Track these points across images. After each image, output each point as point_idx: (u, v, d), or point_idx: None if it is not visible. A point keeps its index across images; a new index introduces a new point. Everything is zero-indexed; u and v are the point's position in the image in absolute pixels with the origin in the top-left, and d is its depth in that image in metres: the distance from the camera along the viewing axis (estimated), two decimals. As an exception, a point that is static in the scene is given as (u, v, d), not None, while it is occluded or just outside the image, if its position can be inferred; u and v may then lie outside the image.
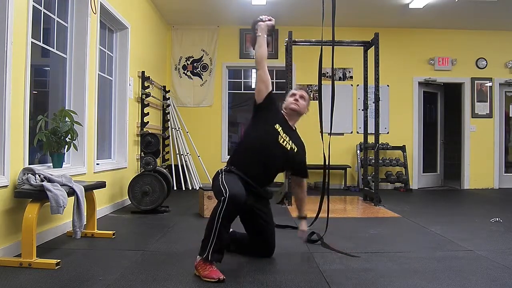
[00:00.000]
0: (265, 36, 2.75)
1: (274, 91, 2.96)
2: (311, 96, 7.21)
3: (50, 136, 3.21)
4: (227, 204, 2.30)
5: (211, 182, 2.71)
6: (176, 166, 6.77)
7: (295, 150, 2.74)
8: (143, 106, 5.48)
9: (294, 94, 2.84)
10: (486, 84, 7.46)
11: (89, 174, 3.90)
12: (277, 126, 2.69)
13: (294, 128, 2.86)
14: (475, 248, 3.03)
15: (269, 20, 2.77)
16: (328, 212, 3.38)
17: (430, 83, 7.50)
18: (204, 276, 2.27)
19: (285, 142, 2.69)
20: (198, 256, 2.37)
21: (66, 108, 3.65)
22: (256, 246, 2.78)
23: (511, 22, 6.87)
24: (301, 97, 2.82)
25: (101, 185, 3.39)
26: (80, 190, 2.85)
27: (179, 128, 6.95)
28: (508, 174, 7.59)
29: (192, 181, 6.83)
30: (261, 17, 2.78)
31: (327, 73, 7.06)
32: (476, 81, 7.42)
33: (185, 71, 7.35)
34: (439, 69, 7.38)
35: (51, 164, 3.36)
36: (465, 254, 2.89)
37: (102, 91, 4.55)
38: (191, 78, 7.34)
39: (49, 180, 2.70)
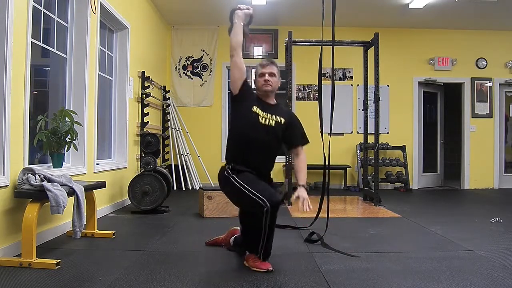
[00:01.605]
0: (242, 24, 2.69)
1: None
2: (311, 96, 7.29)
3: (50, 136, 3.21)
4: (271, 214, 2.39)
5: (220, 185, 2.69)
6: (176, 166, 6.76)
7: (282, 122, 2.66)
8: (143, 106, 5.48)
9: (263, 74, 2.68)
10: (486, 84, 7.45)
11: (89, 174, 3.90)
12: (254, 108, 2.63)
13: (274, 102, 2.76)
14: (475, 248, 3.03)
15: (247, 9, 2.70)
16: (328, 212, 3.39)
17: (430, 83, 7.49)
18: (254, 267, 2.49)
19: (267, 120, 2.62)
20: (247, 252, 2.59)
21: (66, 108, 3.65)
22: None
23: (511, 22, 6.87)
24: (271, 74, 2.68)
25: (101, 185, 3.39)
26: (80, 190, 2.85)
27: (179, 128, 6.95)
28: (508, 174, 7.59)
29: (192, 181, 6.83)
30: (239, 5, 2.72)
31: (327, 73, 7.05)
32: (476, 81, 7.42)
33: (185, 71, 7.35)
34: (439, 69, 7.38)
35: (51, 164, 3.36)
36: (465, 254, 2.89)
37: (102, 91, 4.55)
38: (191, 78, 7.34)
39: (49, 180, 2.70)
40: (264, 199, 2.37)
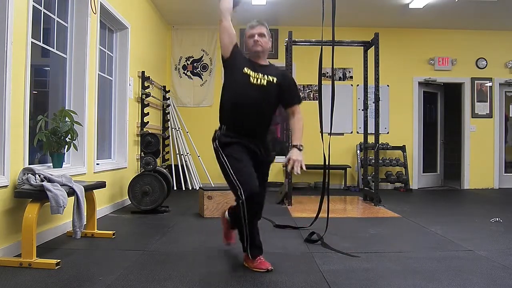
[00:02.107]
0: None
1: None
2: (311, 96, 7.29)
3: (50, 136, 3.21)
4: (247, 208, 2.38)
5: (216, 158, 2.61)
6: (176, 166, 6.76)
7: (275, 81, 2.61)
8: (143, 106, 5.48)
9: (252, 35, 2.63)
10: (486, 84, 7.45)
11: (89, 174, 3.90)
12: (245, 69, 2.58)
13: (266, 63, 2.71)
14: (475, 248, 3.03)
15: None
16: (328, 212, 3.39)
17: (430, 83, 7.49)
18: (253, 268, 2.50)
19: (258, 80, 2.57)
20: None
21: (66, 108, 3.65)
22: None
23: (511, 22, 6.87)
24: (260, 35, 2.62)
25: (101, 185, 3.39)
26: (80, 190, 2.85)
27: (179, 128, 6.95)
28: (508, 174, 7.59)
29: (192, 181, 6.83)
30: None
31: (327, 73, 7.05)
32: (476, 81, 7.42)
33: (185, 71, 7.35)
34: (439, 69, 7.38)
35: (51, 164, 3.36)
36: (465, 254, 2.89)
37: (102, 91, 4.55)
38: (191, 78, 7.35)
39: (49, 180, 2.70)
40: (241, 189, 2.34)
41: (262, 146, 2.61)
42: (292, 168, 2.47)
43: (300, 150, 2.56)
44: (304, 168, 2.47)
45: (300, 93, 7.19)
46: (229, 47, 2.64)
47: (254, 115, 2.56)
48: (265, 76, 2.59)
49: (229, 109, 2.62)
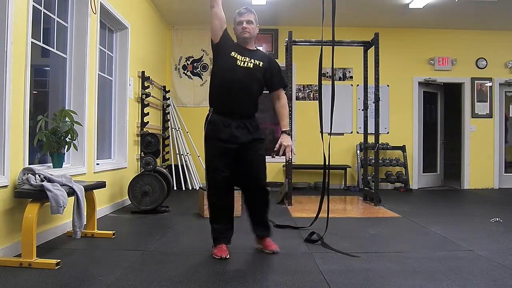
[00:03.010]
0: None
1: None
2: (311, 96, 7.29)
3: (50, 136, 3.21)
4: (213, 195, 2.78)
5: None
6: (176, 166, 6.76)
7: (261, 64, 2.79)
8: (143, 106, 5.48)
9: (241, 22, 2.81)
10: (486, 84, 7.45)
11: (89, 174, 3.90)
12: (232, 53, 2.75)
13: (254, 48, 2.89)
14: (475, 248, 3.03)
15: None
16: (328, 212, 3.38)
17: (430, 83, 7.49)
18: (213, 254, 2.73)
19: (245, 63, 2.75)
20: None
21: (66, 108, 3.65)
22: (245, 194, 2.92)
23: (511, 22, 6.87)
24: (248, 22, 2.80)
25: (101, 185, 3.38)
26: (80, 190, 2.85)
27: (179, 128, 6.95)
28: (508, 174, 7.59)
29: (192, 181, 6.83)
30: None
31: (327, 73, 7.05)
32: (476, 81, 7.42)
33: (185, 71, 7.35)
34: (439, 69, 7.38)
35: (51, 164, 3.36)
36: (465, 254, 2.89)
37: (102, 91, 4.55)
38: (191, 78, 7.35)
39: (49, 180, 2.70)
40: (207, 179, 2.73)
41: (250, 124, 2.76)
42: (284, 153, 2.70)
43: (289, 135, 2.79)
44: (294, 152, 2.63)
45: (300, 93, 7.21)
46: (218, 32, 2.79)
47: (241, 94, 2.74)
48: (252, 60, 2.77)
49: (218, 90, 2.79)
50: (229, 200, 2.86)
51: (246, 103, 2.76)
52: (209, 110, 2.82)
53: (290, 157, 2.64)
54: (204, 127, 2.81)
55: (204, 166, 6.75)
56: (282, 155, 2.77)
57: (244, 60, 2.75)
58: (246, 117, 2.77)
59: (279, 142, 2.74)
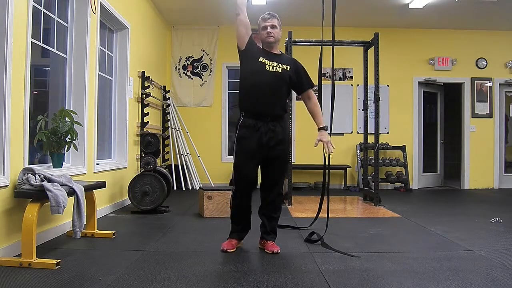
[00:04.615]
0: None
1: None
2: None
3: (50, 136, 3.21)
4: (237, 196, 2.89)
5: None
6: (176, 166, 6.77)
7: (288, 69, 2.87)
8: (143, 106, 5.48)
9: (265, 27, 2.87)
10: (486, 84, 7.45)
11: (89, 174, 3.90)
12: (261, 59, 2.83)
13: (279, 52, 2.97)
14: (475, 248, 3.03)
15: None
16: (328, 212, 3.38)
17: (430, 83, 7.49)
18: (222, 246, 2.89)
19: (273, 67, 2.83)
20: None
21: (66, 108, 3.65)
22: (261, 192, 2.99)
23: (511, 22, 6.87)
24: (272, 27, 2.87)
25: (101, 185, 3.38)
26: (80, 190, 2.85)
27: (179, 128, 6.95)
28: (508, 174, 7.59)
29: (192, 181, 6.83)
30: None
31: (327, 73, 7.06)
32: (476, 81, 7.42)
33: (185, 71, 7.35)
34: (439, 69, 7.38)
35: (51, 164, 3.36)
36: (465, 254, 2.89)
37: (102, 91, 4.55)
38: (191, 78, 7.34)
39: (49, 180, 2.70)
40: (236, 180, 2.87)
41: (280, 125, 2.85)
42: (327, 149, 2.85)
43: (326, 130, 2.91)
44: (334, 147, 2.87)
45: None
46: (245, 38, 2.87)
47: (270, 98, 2.81)
48: (280, 65, 2.86)
49: (248, 94, 2.86)
50: (250, 201, 2.93)
51: (276, 106, 2.85)
52: (240, 115, 2.90)
53: (332, 152, 2.85)
54: (236, 130, 2.89)
55: (204, 166, 6.82)
56: (326, 150, 2.90)
57: (273, 65, 2.83)
58: (276, 119, 2.85)
59: (318, 138, 2.88)
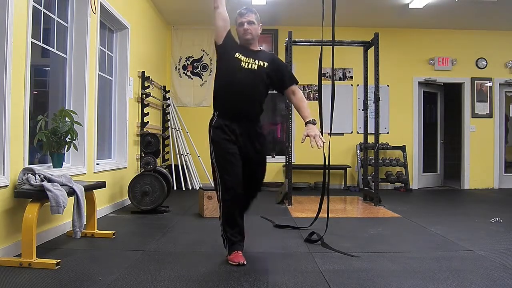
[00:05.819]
0: None
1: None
2: (311, 96, 7.28)
3: (50, 136, 3.21)
4: (226, 208, 2.64)
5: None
6: (176, 166, 6.76)
7: (265, 65, 2.71)
8: (143, 106, 5.48)
9: (242, 24, 2.73)
10: (486, 84, 7.45)
11: (89, 174, 3.90)
12: (236, 54, 2.68)
13: (259, 49, 2.82)
14: (475, 248, 3.03)
15: None
16: (328, 212, 3.38)
17: (430, 83, 7.49)
18: (229, 260, 2.61)
19: (249, 64, 2.67)
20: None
21: (66, 108, 3.65)
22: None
23: (511, 22, 6.87)
24: (249, 22, 2.72)
25: (101, 185, 3.38)
26: (80, 190, 2.85)
27: (179, 128, 6.95)
28: (508, 174, 7.58)
29: (192, 181, 6.83)
30: None
31: (327, 73, 7.06)
32: (476, 81, 7.42)
33: (185, 71, 7.35)
34: (439, 69, 7.38)
35: (51, 164, 3.36)
36: (465, 254, 2.89)
37: (102, 91, 4.55)
38: (191, 78, 7.35)
39: (49, 180, 2.70)
40: (222, 189, 2.61)
41: (255, 129, 2.72)
42: (315, 143, 2.57)
43: (314, 124, 2.66)
44: (324, 141, 2.59)
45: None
46: (223, 33, 2.73)
47: (246, 97, 2.66)
48: (256, 61, 2.70)
49: (222, 93, 2.72)
50: (242, 203, 2.73)
51: (251, 105, 2.69)
52: (213, 114, 2.74)
53: (322, 146, 2.54)
54: (209, 132, 2.74)
55: (204, 166, 6.81)
56: (314, 145, 2.60)
57: (248, 61, 2.67)
58: (251, 120, 2.71)
59: (304, 133, 2.62)
